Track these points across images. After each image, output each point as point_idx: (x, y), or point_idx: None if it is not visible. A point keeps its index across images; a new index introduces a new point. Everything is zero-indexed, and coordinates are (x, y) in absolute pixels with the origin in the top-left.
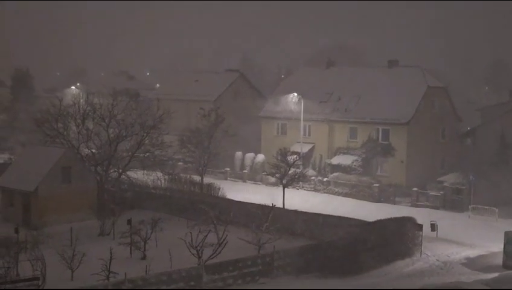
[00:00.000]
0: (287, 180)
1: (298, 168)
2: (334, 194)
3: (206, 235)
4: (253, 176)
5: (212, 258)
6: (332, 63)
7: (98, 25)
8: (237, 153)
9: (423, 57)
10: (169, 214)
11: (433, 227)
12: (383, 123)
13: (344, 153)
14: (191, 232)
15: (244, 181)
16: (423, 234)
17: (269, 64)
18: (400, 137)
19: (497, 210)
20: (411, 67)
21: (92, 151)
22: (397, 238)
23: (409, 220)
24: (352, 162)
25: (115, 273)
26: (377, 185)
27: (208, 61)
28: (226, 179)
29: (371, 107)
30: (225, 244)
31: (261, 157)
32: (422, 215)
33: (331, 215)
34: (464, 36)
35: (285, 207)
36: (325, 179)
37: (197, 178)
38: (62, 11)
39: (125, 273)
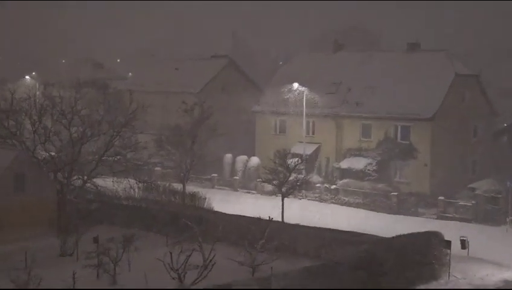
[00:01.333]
0: (287, 189)
1: (300, 173)
2: (343, 204)
3: (190, 256)
4: (246, 183)
5: (196, 283)
6: (341, 47)
7: (62, 6)
8: (226, 155)
9: (449, 39)
10: (144, 230)
11: (464, 244)
12: (403, 119)
13: (355, 155)
14: (171, 252)
15: (235, 190)
16: (451, 253)
17: (265, 48)
18: (423, 135)
19: None
20: (435, 51)
21: (50, 155)
22: (420, 258)
23: (435, 236)
24: (366, 166)
25: None
26: (396, 193)
27: (193, 46)
28: (213, 187)
29: (388, 100)
30: (212, 266)
31: (255, 160)
32: (450, 230)
33: (340, 231)
34: (499, 14)
35: (285, 221)
36: (332, 187)
37: (178, 186)
38: None
39: None
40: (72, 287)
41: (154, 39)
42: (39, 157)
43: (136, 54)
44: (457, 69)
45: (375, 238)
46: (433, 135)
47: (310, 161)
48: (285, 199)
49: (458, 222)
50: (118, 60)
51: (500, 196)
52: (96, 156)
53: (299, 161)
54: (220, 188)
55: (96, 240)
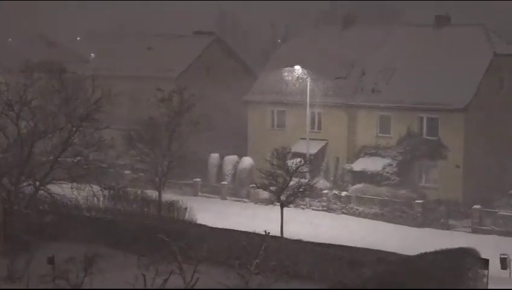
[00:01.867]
0: (287, 196)
1: (303, 177)
2: (356, 215)
3: (167, 279)
4: (237, 189)
5: None
6: (353, 21)
7: None
8: (212, 155)
9: (487, 10)
10: (111, 248)
11: (504, 263)
12: (429, 110)
13: (371, 155)
14: (144, 275)
15: (223, 198)
16: (489, 274)
17: (259, 23)
18: (454, 130)
19: None
20: (469, 26)
21: None
22: (451, 279)
23: (469, 254)
24: (384, 168)
25: None
26: (421, 201)
27: (170, 22)
28: (196, 194)
29: (411, 86)
30: None
31: (247, 161)
32: (488, 246)
33: (353, 248)
34: None
35: (285, 236)
36: (343, 194)
37: (152, 194)
38: None
39: None
40: None
41: (123, 13)
42: None
43: (100, 30)
44: (496, 48)
45: (396, 257)
46: (466, 129)
47: (315, 162)
48: (285, 208)
49: (497, 236)
50: (78, 39)
51: None
52: (51, 157)
53: (302, 162)
54: (205, 196)
55: (51, 260)
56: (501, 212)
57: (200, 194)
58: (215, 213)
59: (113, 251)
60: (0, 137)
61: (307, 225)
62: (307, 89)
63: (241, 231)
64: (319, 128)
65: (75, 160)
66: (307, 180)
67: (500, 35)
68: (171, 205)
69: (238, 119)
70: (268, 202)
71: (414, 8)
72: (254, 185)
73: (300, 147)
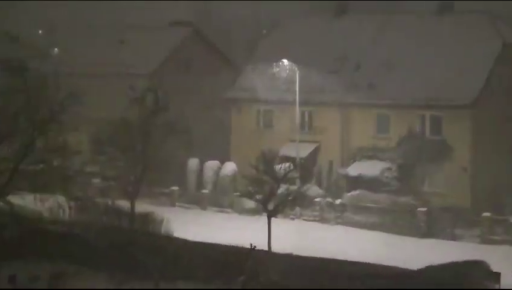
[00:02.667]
0: (275, 205)
1: (293, 184)
2: (353, 225)
3: None
4: (219, 199)
5: None
6: (347, 8)
7: None
8: (191, 161)
9: None
10: (79, 266)
11: None
12: (433, 106)
13: (369, 158)
14: None
15: (204, 208)
16: (501, 288)
17: (242, 12)
18: (461, 129)
19: None
20: (475, 13)
21: None
22: None
23: (478, 267)
24: (383, 173)
25: None
26: (424, 209)
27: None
28: (173, 204)
29: (412, 81)
30: None
31: (230, 167)
32: (499, 258)
33: (350, 262)
34: None
35: (273, 249)
36: (337, 202)
37: (125, 205)
38: None
39: None
40: None
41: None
42: None
43: (64, 22)
44: (505, 37)
45: (397, 271)
46: (474, 127)
47: (306, 167)
48: (273, 219)
49: (510, 247)
50: (40, 32)
51: None
52: (11, 165)
53: (291, 167)
54: (183, 206)
55: (12, 279)
56: None
57: (177, 204)
58: (194, 225)
59: (81, 268)
60: None
61: (298, 237)
62: (295, 85)
63: (224, 245)
64: (310, 128)
65: (38, 168)
66: (297, 187)
67: (509, 23)
68: (146, 216)
69: (220, 120)
70: (254, 212)
71: None
72: (238, 193)
73: (289, 150)
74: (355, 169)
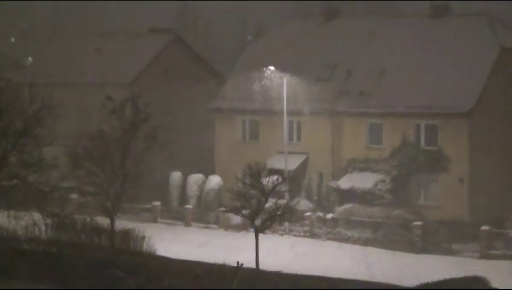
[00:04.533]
0: (263, 221)
1: (281, 197)
2: (345, 241)
3: None
4: (203, 214)
5: None
6: (336, 13)
7: None
8: (174, 174)
9: None
10: (57, 286)
11: None
12: (427, 115)
13: (361, 170)
14: None
15: (188, 224)
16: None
17: (226, 18)
18: (457, 138)
19: None
20: (472, 16)
21: None
22: None
23: (477, 283)
24: (376, 185)
25: None
26: (420, 223)
27: (121, 17)
28: (155, 221)
29: (405, 88)
30: None
31: (215, 181)
32: (499, 274)
33: (342, 279)
34: None
35: (261, 267)
36: (329, 216)
37: (104, 221)
38: None
39: None
40: None
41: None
42: None
43: (38, 29)
44: (504, 41)
45: (392, 289)
46: (471, 136)
47: (294, 180)
48: (261, 235)
49: (511, 262)
50: (12, 40)
51: None
52: None
53: (280, 180)
54: (166, 223)
55: None
56: None
57: (160, 220)
58: (178, 242)
59: (58, 288)
60: None
61: (287, 253)
62: (283, 94)
63: (209, 263)
64: (299, 139)
65: (12, 183)
66: (285, 201)
67: (507, 26)
68: (126, 234)
69: (204, 131)
70: (241, 227)
71: None
72: (223, 208)
73: (277, 162)
74: (346, 181)
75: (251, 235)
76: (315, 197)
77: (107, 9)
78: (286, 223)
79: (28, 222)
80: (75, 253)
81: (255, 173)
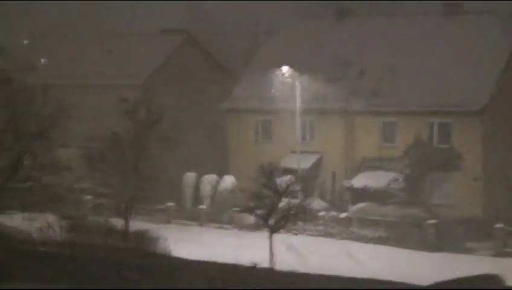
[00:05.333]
0: (277, 220)
1: (295, 197)
2: (359, 240)
3: None
4: (217, 214)
5: None
6: (349, 11)
7: None
8: (187, 175)
9: None
10: (70, 287)
11: None
12: (440, 113)
13: (374, 169)
14: None
15: (202, 224)
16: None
17: (238, 18)
18: (470, 136)
19: None
20: (485, 13)
21: None
22: None
23: (492, 281)
24: (389, 184)
25: None
26: (433, 221)
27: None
28: (169, 221)
29: (418, 87)
30: None
31: (229, 181)
32: None
33: (356, 278)
34: None
35: (275, 267)
36: (342, 215)
37: (118, 223)
38: None
39: None
40: None
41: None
42: None
43: (51, 31)
44: None
45: (406, 288)
46: (484, 134)
47: (308, 179)
48: (275, 235)
49: None
50: (25, 42)
51: None
52: None
53: (293, 180)
54: (180, 223)
55: None
56: None
57: (173, 221)
58: (192, 243)
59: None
60: None
61: (301, 253)
62: (296, 94)
63: (223, 263)
64: (312, 139)
65: (26, 185)
66: (299, 201)
67: None
68: (140, 235)
69: (217, 132)
70: (255, 227)
71: None
72: (237, 208)
73: (290, 161)
74: (360, 180)
75: (265, 235)
76: (328, 197)
77: (119, 12)
78: (300, 223)
79: (42, 224)
80: (89, 254)
81: (269, 172)
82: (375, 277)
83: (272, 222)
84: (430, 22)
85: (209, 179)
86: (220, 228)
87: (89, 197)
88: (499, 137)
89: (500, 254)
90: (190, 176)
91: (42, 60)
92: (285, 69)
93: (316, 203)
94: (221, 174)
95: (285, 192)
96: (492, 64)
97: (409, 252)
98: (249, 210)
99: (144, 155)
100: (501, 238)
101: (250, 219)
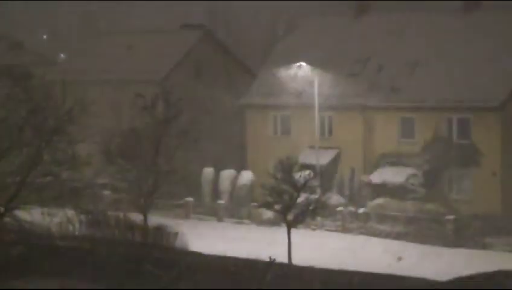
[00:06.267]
0: (295, 215)
1: (313, 193)
2: (377, 235)
3: None
4: (236, 209)
5: None
6: (367, 7)
7: None
8: (206, 170)
9: None
10: (90, 282)
11: None
12: (460, 109)
13: (393, 164)
14: None
15: (220, 220)
16: None
17: (256, 14)
18: (490, 132)
19: None
20: (506, 8)
21: None
22: None
23: (510, 277)
24: (408, 179)
25: None
26: (452, 217)
27: (151, 15)
28: (187, 216)
29: (437, 82)
30: None
31: (247, 176)
32: None
33: (375, 274)
34: None
35: (293, 262)
36: (361, 211)
37: (137, 218)
38: None
39: None
40: None
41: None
42: None
43: (70, 27)
44: None
45: (425, 283)
46: (504, 130)
47: (326, 175)
48: (293, 230)
49: None
50: (44, 37)
51: None
52: (18, 178)
53: (311, 175)
54: (198, 218)
55: None
56: None
57: (192, 215)
58: (210, 238)
59: (92, 285)
60: None
61: (320, 248)
62: (314, 89)
63: (241, 258)
64: (330, 134)
65: (46, 181)
66: (317, 196)
67: None
68: (159, 229)
69: (235, 127)
70: (273, 223)
71: None
72: (255, 203)
73: (308, 157)
74: (378, 176)
75: (283, 230)
76: (347, 192)
77: (138, 10)
78: (318, 218)
79: (61, 219)
80: (108, 249)
81: (287, 168)
82: (394, 272)
83: (290, 217)
84: (449, 18)
85: (228, 174)
86: (238, 223)
87: (107, 192)
88: None
89: None
90: (209, 171)
91: (61, 56)
92: (303, 64)
93: (335, 199)
94: (239, 169)
95: (304, 187)
96: (511, 59)
97: (428, 248)
98: (268, 205)
99: (162, 150)
100: None
101: (269, 214)
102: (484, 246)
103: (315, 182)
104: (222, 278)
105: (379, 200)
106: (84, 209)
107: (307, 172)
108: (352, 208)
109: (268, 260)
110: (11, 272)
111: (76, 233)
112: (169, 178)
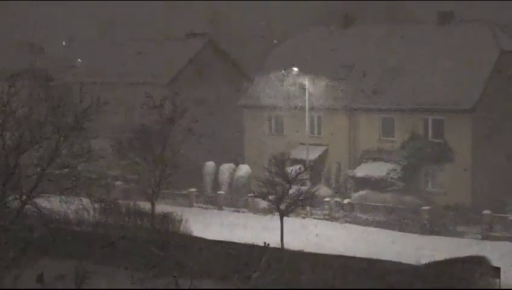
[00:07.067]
0: (287, 205)
1: (303, 185)
2: (360, 224)
3: None
4: (234, 199)
5: None
6: (353, 20)
7: None
8: (207, 164)
9: (491, 5)
10: (103, 264)
11: None
12: (434, 111)
13: (374, 160)
14: None
15: (220, 208)
16: (501, 283)
17: (254, 25)
18: (461, 131)
19: None
20: (475, 22)
21: None
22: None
23: (479, 262)
24: (388, 173)
25: None
26: (428, 207)
27: (159, 24)
28: (191, 205)
29: (415, 87)
30: None
31: (244, 169)
32: (499, 253)
33: (357, 258)
34: None
35: (285, 247)
36: (345, 201)
37: (145, 206)
38: None
39: None
40: None
41: (110, 15)
42: None
43: (86, 34)
44: (503, 45)
45: (402, 267)
46: (474, 130)
47: (315, 169)
48: (285, 218)
49: (509, 243)
50: (64, 43)
51: None
52: (38, 169)
53: (302, 169)
54: (201, 207)
55: (40, 278)
56: None
57: (195, 204)
58: (211, 224)
59: (105, 267)
60: None
61: (309, 234)
62: (305, 92)
63: (239, 243)
64: (319, 133)
65: (64, 172)
66: (307, 188)
67: (506, 31)
68: (165, 217)
69: (234, 125)
70: (267, 211)
71: (415, 5)
72: (252, 194)
73: (299, 153)
74: (362, 170)
75: (276, 218)
76: (333, 184)
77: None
78: (307, 208)
79: (77, 207)
80: (119, 234)
81: (280, 162)
82: (375, 257)
83: (282, 206)
84: (426, 30)
85: (227, 167)
86: (236, 211)
87: (119, 182)
88: (488, 132)
89: (487, 237)
90: (210, 165)
91: (79, 60)
92: (295, 70)
93: (322, 191)
94: (237, 163)
95: (295, 180)
96: (481, 67)
97: (405, 235)
98: (263, 196)
99: (168, 145)
100: (488, 223)
101: (264, 203)
102: (456, 234)
103: (305, 175)
104: (221, 261)
105: (362, 192)
106: (97, 198)
107: (298, 166)
108: (338, 199)
109: (263, 244)
110: (33, 253)
111: (91, 219)
112: (175, 170)
